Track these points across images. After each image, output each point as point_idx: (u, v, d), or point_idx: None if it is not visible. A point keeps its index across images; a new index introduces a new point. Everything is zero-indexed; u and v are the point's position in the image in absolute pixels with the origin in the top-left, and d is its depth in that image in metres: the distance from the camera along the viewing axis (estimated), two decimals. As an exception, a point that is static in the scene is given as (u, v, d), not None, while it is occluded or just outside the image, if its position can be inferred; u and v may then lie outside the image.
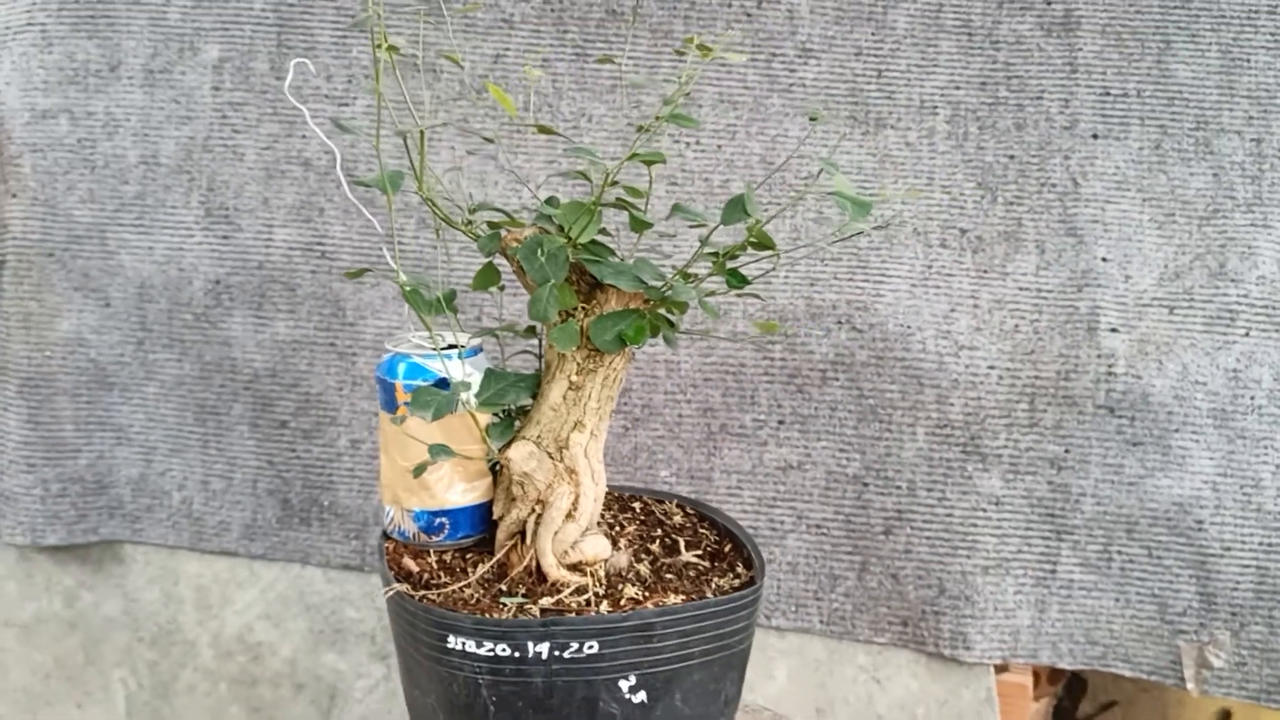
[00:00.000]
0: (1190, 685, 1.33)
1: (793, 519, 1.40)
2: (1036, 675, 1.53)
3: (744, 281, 0.78)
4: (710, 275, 0.78)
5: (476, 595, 0.77)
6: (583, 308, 0.79)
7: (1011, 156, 1.37)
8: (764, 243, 0.76)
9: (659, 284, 0.76)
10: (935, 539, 1.36)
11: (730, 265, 0.78)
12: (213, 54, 1.47)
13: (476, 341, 0.84)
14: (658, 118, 0.78)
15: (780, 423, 1.39)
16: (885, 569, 1.38)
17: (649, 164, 0.79)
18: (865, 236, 1.36)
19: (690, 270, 0.79)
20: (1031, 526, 1.35)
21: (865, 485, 1.38)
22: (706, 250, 0.78)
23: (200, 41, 1.47)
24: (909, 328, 1.36)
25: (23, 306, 1.51)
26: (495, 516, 0.83)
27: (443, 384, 0.80)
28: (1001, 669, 1.41)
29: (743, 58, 0.81)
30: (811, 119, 0.75)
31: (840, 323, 1.37)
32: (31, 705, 1.59)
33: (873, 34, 1.38)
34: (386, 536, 0.85)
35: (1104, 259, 1.34)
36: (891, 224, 1.36)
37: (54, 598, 1.58)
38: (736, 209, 0.74)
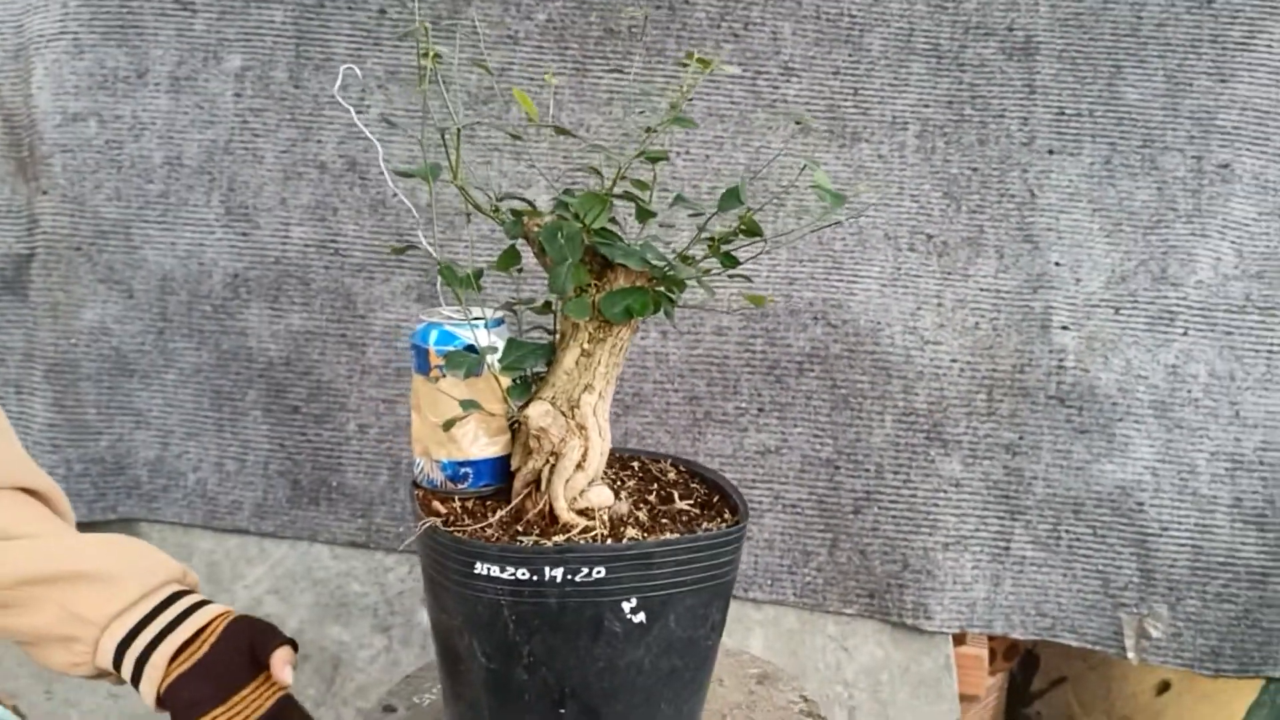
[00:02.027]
0: (1130, 654, 1.44)
1: (770, 499, 1.50)
2: (993, 651, 1.62)
3: (735, 263, 0.89)
4: (706, 257, 0.89)
5: (496, 534, 0.88)
6: (594, 284, 0.90)
7: (975, 169, 1.48)
8: (752, 230, 0.88)
9: (662, 264, 0.87)
10: (900, 518, 1.47)
11: (724, 249, 0.90)
12: (235, 63, 1.57)
13: (500, 314, 0.95)
14: (666, 119, 0.89)
15: (760, 410, 1.50)
16: (854, 545, 1.48)
17: (654, 160, 0.91)
18: (840, 240, 1.47)
19: (689, 253, 0.90)
20: (988, 507, 1.46)
21: (837, 468, 1.48)
22: (703, 236, 0.89)
23: (224, 51, 1.57)
24: (879, 324, 1.46)
25: (50, 297, 1.59)
26: (513, 468, 0.94)
27: (470, 349, 0.91)
28: (959, 641, 1.51)
29: (735, 69, 0.92)
30: (798, 123, 0.87)
31: (816, 318, 1.47)
32: (48, 676, 1.66)
33: (849, 55, 1.49)
34: (416, 485, 0.96)
35: (1057, 263, 1.45)
36: (864, 229, 1.46)
37: (72, 572, 1.66)
38: (732, 198, 0.86)
